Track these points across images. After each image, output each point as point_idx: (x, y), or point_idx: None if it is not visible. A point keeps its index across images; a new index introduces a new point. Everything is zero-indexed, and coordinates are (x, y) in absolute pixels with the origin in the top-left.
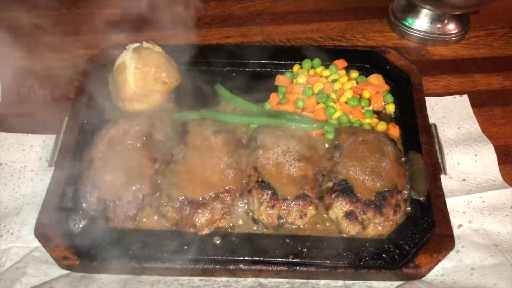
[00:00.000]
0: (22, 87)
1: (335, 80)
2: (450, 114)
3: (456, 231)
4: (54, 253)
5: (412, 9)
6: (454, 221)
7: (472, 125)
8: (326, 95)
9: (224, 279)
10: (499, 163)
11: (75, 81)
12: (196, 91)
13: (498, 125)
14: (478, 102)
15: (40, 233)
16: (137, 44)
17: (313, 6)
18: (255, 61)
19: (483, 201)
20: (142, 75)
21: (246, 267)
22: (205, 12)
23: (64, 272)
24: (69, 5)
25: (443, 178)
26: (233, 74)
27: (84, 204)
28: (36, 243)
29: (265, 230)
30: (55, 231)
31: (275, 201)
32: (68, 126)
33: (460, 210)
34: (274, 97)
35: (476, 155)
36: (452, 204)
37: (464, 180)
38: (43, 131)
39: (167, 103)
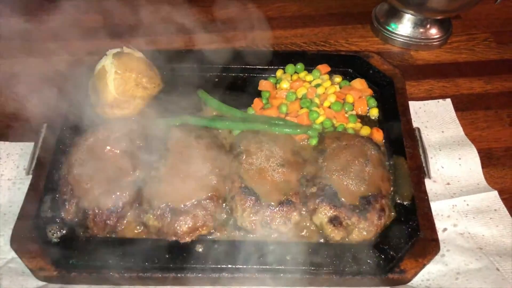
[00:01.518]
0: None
1: (318, 85)
2: (433, 118)
3: (441, 235)
4: (30, 264)
5: (395, 14)
6: (439, 224)
7: (456, 129)
8: (310, 100)
9: None
10: (483, 167)
11: (54, 87)
12: (178, 97)
13: (481, 128)
14: (461, 106)
15: (17, 244)
16: (118, 49)
17: (297, 12)
18: (238, 66)
19: (467, 205)
20: (123, 81)
21: (229, 275)
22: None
23: (41, 283)
24: (49, 11)
25: (427, 182)
26: (216, 79)
27: (62, 213)
28: (12, 254)
29: (248, 237)
30: (32, 241)
31: (259, 208)
32: (46, 133)
33: (445, 213)
34: (257, 102)
35: (460, 158)
36: (437, 208)
37: (448, 183)
38: (20, 139)
39: (148, 109)
